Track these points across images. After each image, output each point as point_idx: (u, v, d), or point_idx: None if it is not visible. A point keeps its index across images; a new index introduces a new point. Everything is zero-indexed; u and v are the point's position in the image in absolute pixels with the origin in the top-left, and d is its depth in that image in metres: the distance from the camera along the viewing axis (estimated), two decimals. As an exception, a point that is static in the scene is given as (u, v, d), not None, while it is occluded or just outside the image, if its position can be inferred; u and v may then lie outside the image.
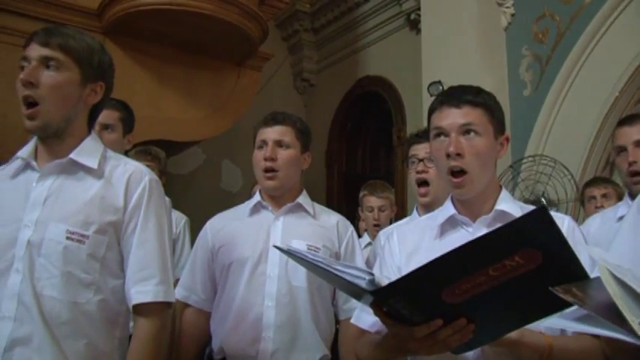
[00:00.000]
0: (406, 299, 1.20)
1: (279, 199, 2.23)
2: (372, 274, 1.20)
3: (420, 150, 2.42)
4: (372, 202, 3.49)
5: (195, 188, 5.70)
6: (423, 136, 2.42)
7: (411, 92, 5.50)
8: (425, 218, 1.77)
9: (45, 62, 1.55)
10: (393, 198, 3.61)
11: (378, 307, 1.30)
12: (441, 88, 4.48)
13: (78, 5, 3.86)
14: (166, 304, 1.62)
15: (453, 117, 1.51)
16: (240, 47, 4.32)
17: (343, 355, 2.23)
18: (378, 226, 3.41)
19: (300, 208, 2.24)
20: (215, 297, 2.23)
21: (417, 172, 2.43)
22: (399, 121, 5.80)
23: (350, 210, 5.06)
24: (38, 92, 1.53)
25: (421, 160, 2.42)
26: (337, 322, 2.29)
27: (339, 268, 1.25)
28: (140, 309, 1.58)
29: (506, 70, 4.56)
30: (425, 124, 4.48)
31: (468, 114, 1.51)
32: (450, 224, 1.60)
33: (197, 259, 2.27)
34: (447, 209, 1.62)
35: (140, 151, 2.98)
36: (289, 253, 1.41)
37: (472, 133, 1.51)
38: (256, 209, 2.25)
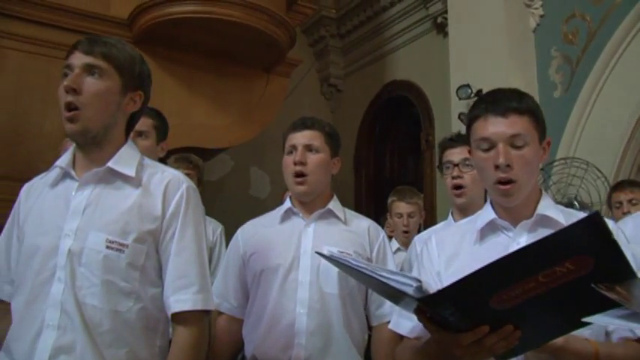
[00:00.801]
0: (453, 306, 1.19)
1: (310, 205, 2.22)
2: (419, 281, 1.19)
3: (455, 155, 2.39)
4: (402, 208, 3.47)
5: (224, 195, 5.73)
6: (457, 140, 2.40)
7: (438, 96, 5.47)
8: (463, 223, 1.75)
9: (88, 70, 1.57)
10: (422, 204, 3.59)
11: (421, 313, 1.29)
12: (469, 91, 4.46)
13: (109, 16, 3.93)
14: (205, 312, 1.62)
15: (499, 127, 1.48)
16: (269, 54, 4.34)
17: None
18: (408, 233, 3.40)
19: (330, 214, 2.23)
20: (247, 304, 2.23)
21: (453, 178, 2.40)
22: (427, 126, 5.77)
23: (378, 215, 5.05)
24: (80, 99, 1.55)
25: (456, 165, 2.39)
26: (369, 328, 2.27)
27: (384, 274, 1.24)
28: (179, 317, 1.57)
29: (536, 72, 4.51)
30: (453, 127, 4.48)
31: (515, 123, 1.47)
32: (489, 229, 1.57)
33: (229, 267, 2.28)
34: (487, 213, 1.59)
35: (179, 158, 2.99)
36: (331, 259, 1.41)
37: (520, 143, 1.47)
38: (287, 216, 2.24)
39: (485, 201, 1.71)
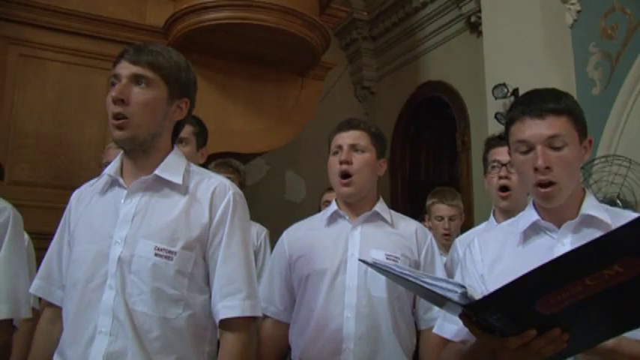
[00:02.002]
0: (499, 311, 1.17)
1: (356, 207, 2.20)
2: (464, 287, 1.18)
3: (503, 153, 2.32)
4: (442, 210, 3.40)
5: (260, 199, 5.75)
6: (505, 138, 2.36)
7: (473, 96, 5.40)
8: (506, 225, 1.72)
9: (135, 80, 1.58)
10: (462, 205, 3.53)
11: (467, 318, 1.27)
12: (505, 90, 4.40)
13: (146, 24, 3.98)
14: (252, 319, 1.61)
15: (537, 128, 1.46)
16: (303, 58, 4.34)
17: None
18: (449, 236, 3.33)
19: (377, 216, 2.21)
20: (293, 308, 2.22)
21: (500, 178, 2.35)
22: (463, 126, 5.70)
23: (414, 217, 4.99)
24: (128, 109, 1.57)
25: (504, 165, 2.35)
26: (417, 332, 2.24)
27: (428, 281, 1.23)
28: (227, 324, 1.58)
29: (573, 69, 4.41)
30: (489, 127, 4.40)
31: (553, 124, 1.45)
32: (533, 230, 1.55)
33: (274, 270, 2.28)
34: (530, 215, 1.57)
35: (220, 163, 3.01)
36: (374, 266, 1.40)
37: (559, 144, 1.45)
38: (333, 219, 2.23)
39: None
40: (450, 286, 1.20)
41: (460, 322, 1.32)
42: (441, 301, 1.30)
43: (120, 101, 1.56)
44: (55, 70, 3.77)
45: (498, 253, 1.59)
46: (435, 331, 1.69)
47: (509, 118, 1.55)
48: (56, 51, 3.77)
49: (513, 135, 1.52)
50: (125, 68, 1.59)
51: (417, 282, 1.23)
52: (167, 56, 1.65)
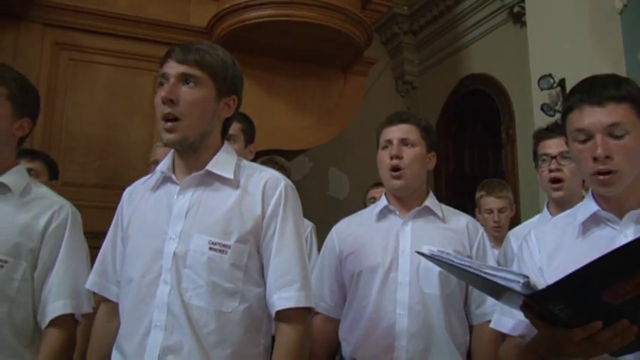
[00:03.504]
0: (563, 301, 1.15)
1: (406, 202, 2.18)
2: (526, 277, 1.16)
3: (552, 146, 2.29)
4: (491, 203, 3.34)
5: (303, 196, 5.71)
6: (553, 130, 2.30)
7: (518, 88, 5.30)
8: (563, 216, 1.67)
9: (183, 79, 1.59)
10: (512, 197, 3.46)
11: (529, 309, 1.25)
12: (552, 81, 4.31)
13: (189, 25, 4.01)
14: (308, 310, 1.61)
15: (596, 116, 1.41)
16: (346, 53, 4.31)
17: None
18: (499, 228, 3.28)
19: (428, 211, 2.18)
20: (343, 304, 2.22)
21: (550, 171, 2.30)
22: (507, 119, 5.60)
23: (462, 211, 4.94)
24: (178, 109, 1.58)
25: (554, 157, 2.29)
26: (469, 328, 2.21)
27: (488, 271, 1.21)
28: (282, 315, 1.57)
29: (623, 57, 4.29)
30: (535, 119, 4.32)
31: (613, 112, 1.40)
32: (592, 222, 1.51)
33: (324, 267, 2.27)
34: (589, 206, 1.52)
35: (266, 160, 3.03)
36: (432, 257, 1.39)
37: (620, 132, 1.40)
38: (383, 214, 2.21)
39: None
40: (511, 277, 1.18)
41: (518, 316, 1.30)
42: (500, 292, 1.28)
43: (169, 101, 1.57)
44: (104, 72, 3.84)
45: (556, 245, 1.55)
46: (492, 325, 1.66)
47: (567, 107, 1.51)
48: (104, 54, 3.84)
49: (571, 124, 1.48)
50: (173, 68, 1.60)
51: (477, 273, 1.22)
52: (213, 54, 1.65)
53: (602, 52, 4.22)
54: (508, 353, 1.57)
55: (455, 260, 1.29)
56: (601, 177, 1.42)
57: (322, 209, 4.90)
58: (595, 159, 1.41)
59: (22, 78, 1.88)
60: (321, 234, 2.30)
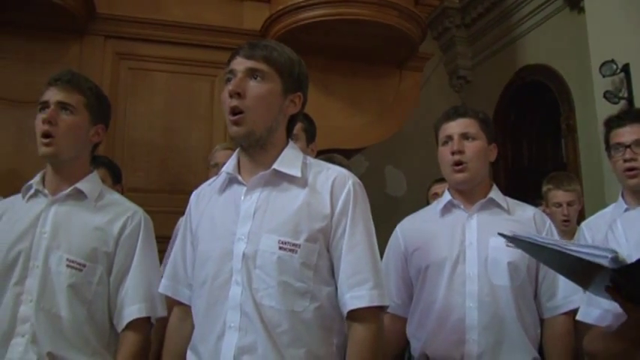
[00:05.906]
0: None
1: (470, 195, 2.15)
2: (614, 252, 1.11)
3: (626, 134, 2.22)
4: (560, 197, 3.26)
5: (361, 195, 5.72)
6: (625, 117, 2.23)
7: (577, 76, 5.14)
8: None
9: (250, 74, 1.61)
10: (580, 189, 3.37)
11: (616, 291, 1.20)
12: (614, 67, 4.15)
13: (243, 29, 4.06)
14: (380, 308, 1.59)
15: None
16: (400, 50, 4.28)
17: (550, 354, 2.08)
18: (568, 222, 3.19)
19: (493, 203, 2.15)
20: (409, 302, 2.20)
21: (625, 161, 2.22)
22: (567, 109, 5.44)
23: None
24: (245, 103, 1.59)
25: (628, 147, 2.21)
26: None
27: (573, 248, 1.17)
28: (355, 315, 1.56)
29: (688, 37, 4.12)
30: (597, 108, 4.18)
31: None
32: None
33: (389, 264, 2.25)
34: None
35: (325, 159, 3.03)
36: (514, 238, 1.36)
37: None
38: (447, 209, 2.19)
39: None
40: (598, 252, 1.14)
41: (605, 304, 1.25)
42: (585, 274, 1.23)
43: (236, 94, 1.59)
44: (162, 79, 3.94)
45: None
46: (579, 318, 1.61)
47: None
48: (161, 62, 3.94)
49: None
50: (240, 63, 1.62)
51: (563, 250, 1.18)
52: (280, 51, 1.67)
53: (666, 34, 4.05)
54: (593, 342, 1.52)
55: (538, 239, 1.26)
56: None
57: (381, 208, 4.85)
58: None
59: (96, 87, 1.99)
60: (379, 233, 2.27)
